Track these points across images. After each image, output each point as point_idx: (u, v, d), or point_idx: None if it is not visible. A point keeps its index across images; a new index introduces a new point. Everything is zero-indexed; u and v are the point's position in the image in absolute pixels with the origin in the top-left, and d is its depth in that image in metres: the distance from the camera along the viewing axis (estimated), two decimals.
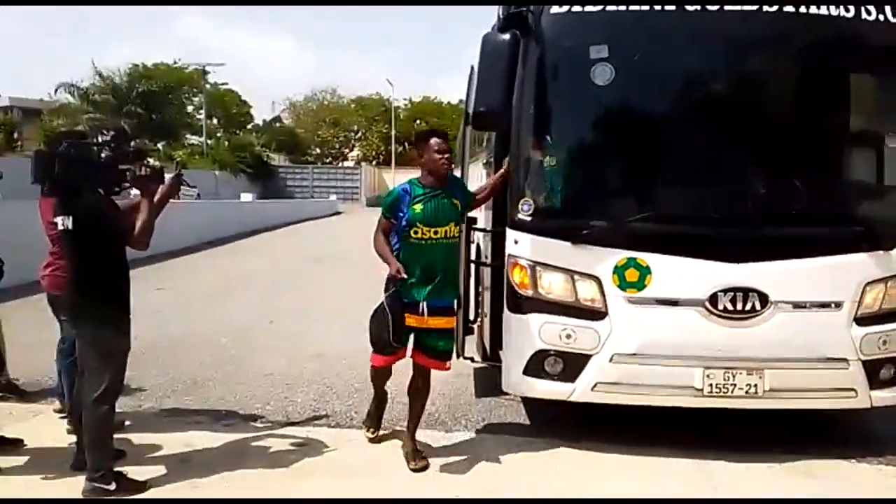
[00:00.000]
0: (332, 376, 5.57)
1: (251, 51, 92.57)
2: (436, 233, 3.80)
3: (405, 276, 3.67)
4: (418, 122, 58.08)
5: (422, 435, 4.12)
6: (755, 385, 3.85)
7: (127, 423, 4.31)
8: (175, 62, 45.40)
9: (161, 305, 8.37)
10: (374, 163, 57.76)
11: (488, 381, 4.88)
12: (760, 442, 4.14)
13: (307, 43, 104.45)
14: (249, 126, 57.63)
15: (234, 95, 53.54)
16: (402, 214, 3.81)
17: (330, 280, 11.19)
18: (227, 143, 47.64)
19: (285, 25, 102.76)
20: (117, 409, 3.64)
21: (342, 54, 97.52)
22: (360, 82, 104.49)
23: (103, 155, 3.50)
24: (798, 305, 3.84)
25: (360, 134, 61.89)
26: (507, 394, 4.60)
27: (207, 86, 48.48)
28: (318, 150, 61.38)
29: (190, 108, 48.98)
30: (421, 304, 3.79)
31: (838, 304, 3.86)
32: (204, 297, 9.50)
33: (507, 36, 3.91)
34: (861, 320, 3.89)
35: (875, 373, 3.96)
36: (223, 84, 51.73)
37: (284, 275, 11.96)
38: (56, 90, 34.39)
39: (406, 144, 58.03)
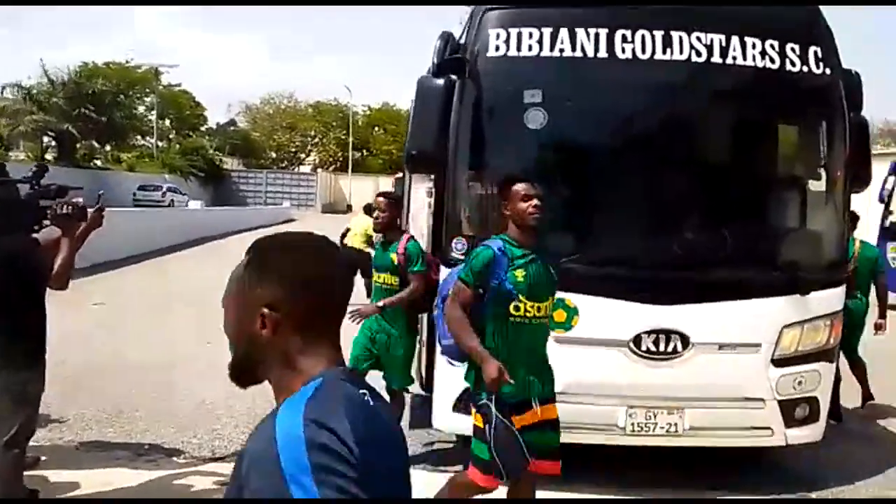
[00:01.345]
0: (267, 405, 5.43)
1: (208, 53, 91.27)
2: (539, 310, 3.04)
3: (511, 380, 2.91)
4: (377, 129, 58.02)
5: None
6: (676, 424, 3.95)
7: (43, 458, 4.15)
8: (127, 62, 44.35)
9: (95, 324, 8.12)
10: (330, 169, 57.35)
11: (425, 412, 4.87)
12: (684, 478, 4.23)
13: (265, 46, 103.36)
14: (203, 129, 56.59)
15: (187, 97, 52.52)
16: (496, 283, 2.99)
17: None
18: (178, 145, 46.67)
19: (243, 28, 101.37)
20: (34, 443, 3.51)
21: (301, 59, 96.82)
22: (318, 87, 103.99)
23: (24, 192, 3.38)
24: (718, 347, 3.95)
25: (317, 139, 61.37)
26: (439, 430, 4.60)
27: (160, 87, 47.48)
28: (274, 155, 60.63)
29: (141, 109, 47.85)
30: (533, 401, 3.07)
31: (756, 346, 3.99)
32: (141, 313, 9.23)
33: (441, 81, 3.95)
34: (778, 362, 4.03)
35: (790, 412, 4.10)
36: (177, 85, 50.77)
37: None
38: (1, 90, 33.08)
39: (364, 151, 57.88)
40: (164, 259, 16.17)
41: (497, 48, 3.94)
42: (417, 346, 5.07)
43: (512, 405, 2.98)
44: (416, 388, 4.89)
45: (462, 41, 4.09)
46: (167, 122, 52.81)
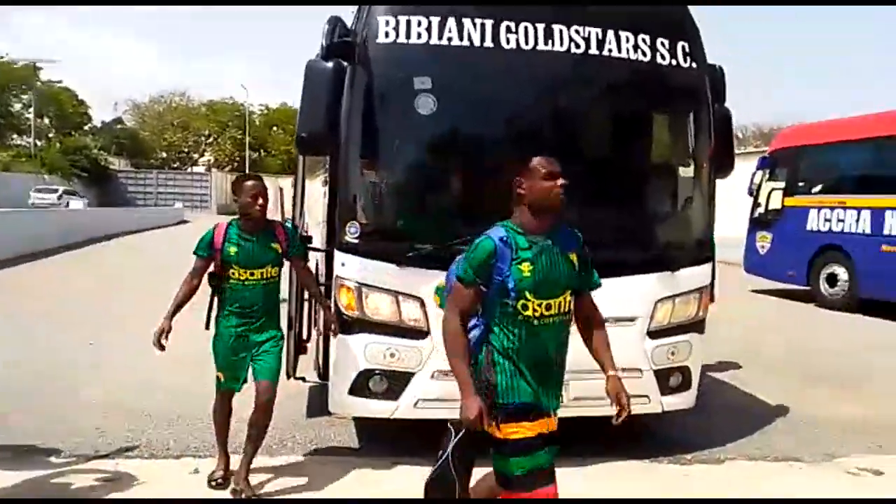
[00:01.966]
0: (153, 404, 5.29)
1: (93, 50, 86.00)
2: (549, 308, 2.58)
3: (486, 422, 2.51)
4: (275, 128, 56.74)
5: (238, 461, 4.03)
6: (561, 395, 4.14)
7: None
8: (1, 57, 41.19)
9: None
10: (226, 169, 55.55)
11: (321, 402, 4.88)
12: (565, 449, 4.44)
13: (155, 44, 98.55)
14: (87, 127, 53.37)
15: (69, 94, 49.38)
16: (499, 279, 2.53)
17: (164, 300, 10.55)
18: (59, 144, 43.81)
19: (132, 25, 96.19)
20: None
21: (194, 57, 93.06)
22: (212, 86, 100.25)
23: None
24: None
25: (211, 139, 59.26)
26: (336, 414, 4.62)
27: (39, 83, 44.43)
28: (165, 155, 58.03)
29: (18, 107, 44.64)
30: (548, 409, 2.71)
31: (633, 320, 4.26)
32: (17, 316, 8.64)
33: (330, 64, 3.96)
34: (652, 334, 4.32)
35: (665, 381, 4.41)
36: (58, 82, 47.63)
37: (111, 292, 11.15)
38: None
39: (261, 151, 56.42)
40: (42, 263, 15.14)
41: (386, 35, 4.00)
42: (314, 335, 5.07)
43: (523, 409, 2.57)
44: (313, 377, 4.89)
45: (352, 27, 4.11)
46: (46, 120, 49.47)
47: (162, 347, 3.74)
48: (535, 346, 2.60)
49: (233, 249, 3.79)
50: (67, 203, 32.56)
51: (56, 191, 33.85)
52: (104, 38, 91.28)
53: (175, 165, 57.24)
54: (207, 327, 3.88)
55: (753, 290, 13.45)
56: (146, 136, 56.67)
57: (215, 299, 3.88)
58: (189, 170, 56.58)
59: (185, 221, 35.78)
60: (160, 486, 3.84)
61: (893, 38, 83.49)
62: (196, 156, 59.80)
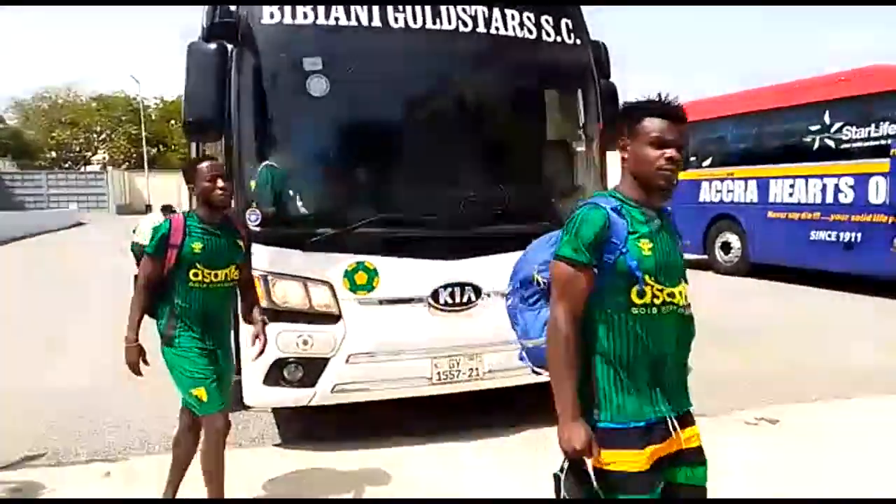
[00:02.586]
0: (57, 411, 5.05)
1: None
2: (671, 295, 1.99)
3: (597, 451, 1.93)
4: (173, 122, 54.33)
5: (155, 461, 3.94)
6: (476, 369, 4.28)
7: None
8: None
9: None
10: (123, 167, 52.84)
11: (237, 397, 4.79)
12: (486, 421, 4.60)
13: (34, 36, 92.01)
14: None
15: None
16: (611, 259, 1.93)
17: (56, 306, 10.02)
18: None
19: (9, 15, 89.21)
20: None
21: (77, 50, 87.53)
22: (100, 80, 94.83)
23: None
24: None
25: (104, 135, 56.15)
26: (251, 408, 4.57)
27: None
28: (54, 154, 54.56)
29: None
30: (669, 420, 2.01)
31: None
32: None
33: (213, 46, 3.89)
34: None
35: None
36: None
37: (8, 300, 10.48)
38: None
39: (160, 146, 53.96)
40: None
41: (271, 15, 3.96)
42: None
43: (640, 430, 1.95)
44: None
45: (235, 9, 4.02)
46: None
47: (139, 373, 3.10)
48: (655, 344, 1.99)
49: (197, 245, 3.10)
50: None
51: None
52: None
53: (67, 165, 53.94)
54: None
55: None
56: (32, 136, 53.04)
57: (167, 308, 3.16)
58: (83, 169, 53.46)
59: (81, 223, 33.88)
60: (70, 492, 3.70)
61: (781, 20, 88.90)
62: (89, 154, 56.54)
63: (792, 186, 10.94)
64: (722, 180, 12.26)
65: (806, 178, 10.69)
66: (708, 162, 12.76)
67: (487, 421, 4.56)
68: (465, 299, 4.20)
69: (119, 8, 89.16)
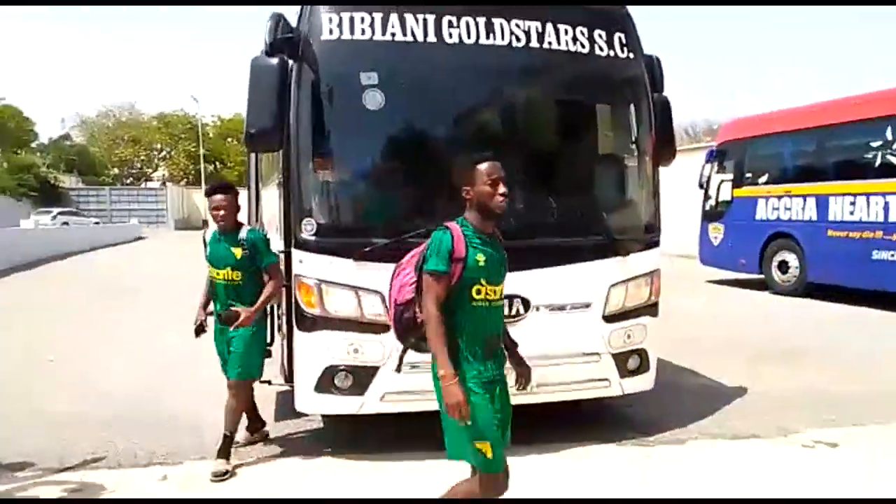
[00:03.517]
0: (117, 414, 5.24)
1: (36, 64, 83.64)
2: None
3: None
4: (230, 139, 55.94)
5: (210, 465, 4.04)
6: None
7: None
8: None
9: None
10: (181, 183, 54.55)
11: (289, 404, 4.89)
12: (532, 435, 4.54)
13: (103, 56, 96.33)
14: (33, 145, 51.93)
15: (12, 111, 47.96)
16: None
17: (122, 314, 10.39)
18: (5, 164, 42.55)
19: (76, 35, 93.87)
20: None
21: (142, 68, 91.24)
22: (162, 98, 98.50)
23: None
24: (556, 308, 4.32)
25: (164, 153, 58.16)
26: (304, 415, 4.66)
27: None
28: (117, 171, 56.75)
29: None
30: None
31: (589, 305, 4.40)
32: None
33: (275, 61, 4.01)
34: (608, 318, 4.46)
35: (624, 363, 4.56)
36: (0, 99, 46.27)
37: (70, 308, 10.91)
38: None
39: (216, 163, 55.57)
40: None
41: (330, 31, 4.07)
42: (278, 337, 5.08)
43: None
44: (279, 382, 4.88)
45: (296, 25, 4.16)
46: None
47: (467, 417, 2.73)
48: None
49: (480, 258, 2.92)
50: (66, 223, 35.01)
51: (50, 212, 36.46)
52: (42, 52, 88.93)
53: (128, 181, 56.03)
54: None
55: (709, 281, 13.84)
56: (96, 152, 55.35)
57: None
58: (143, 185, 55.47)
59: (141, 238, 35.09)
60: (128, 494, 3.83)
61: (836, 32, 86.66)
62: (150, 171, 58.63)
63: (853, 204, 10.58)
64: (779, 198, 11.93)
65: (867, 195, 10.33)
66: (764, 178, 12.46)
67: (528, 437, 4.51)
68: (514, 311, 4.20)
69: (181, 27, 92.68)
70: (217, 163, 55.85)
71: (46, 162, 46.50)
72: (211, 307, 4.41)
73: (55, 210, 37.37)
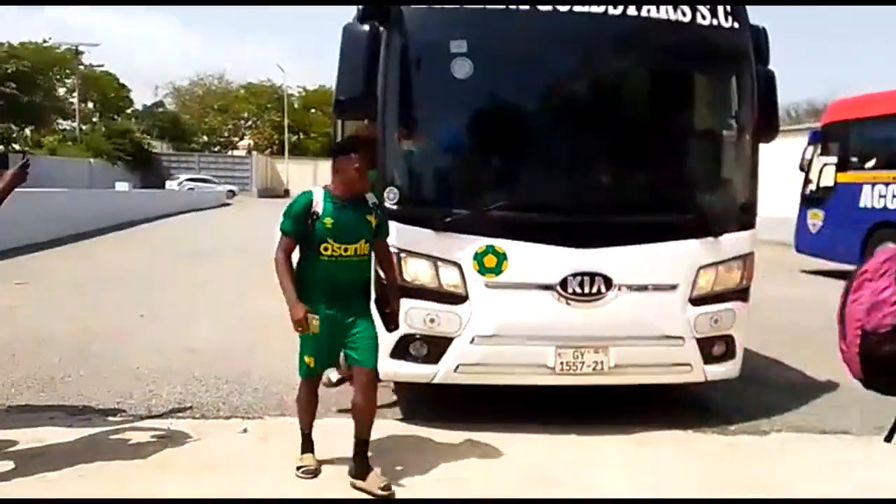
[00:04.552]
0: (202, 369, 5.45)
1: (131, 32, 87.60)
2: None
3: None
4: (313, 110, 57.13)
5: (287, 423, 4.15)
6: (602, 362, 4.15)
7: None
8: (45, 41, 42.25)
9: (18, 301, 7.87)
10: (266, 152, 56.26)
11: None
12: (609, 417, 4.46)
13: (193, 25, 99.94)
14: (129, 111, 54.63)
15: (111, 78, 50.52)
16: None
17: (209, 275, 10.85)
18: (103, 128, 44.94)
19: (166, 7, 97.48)
20: None
21: (231, 37, 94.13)
22: (250, 67, 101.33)
23: None
24: (639, 288, 4.17)
25: (250, 122, 60.03)
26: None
27: (81, 67, 45.51)
28: (206, 138, 59.03)
29: (62, 91, 45.80)
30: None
31: (674, 287, 4.22)
32: (68, 291, 8.98)
33: (366, 27, 3.99)
34: (695, 301, 4.26)
35: (708, 349, 4.36)
36: (99, 66, 48.76)
37: (160, 269, 11.48)
38: None
39: (300, 134, 56.95)
40: (90, 242, 15.62)
41: None
42: None
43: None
44: None
45: None
46: (90, 104, 50.72)
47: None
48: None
49: None
50: (192, 189, 39.91)
51: (178, 178, 43.17)
52: (136, 22, 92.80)
53: (216, 149, 58.17)
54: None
55: (804, 271, 13.15)
56: (187, 120, 57.66)
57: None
58: (230, 153, 57.47)
59: (226, 204, 36.48)
60: (211, 443, 3.98)
61: None
62: (236, 139, 60.68)
63: None
64: (887, 184, 11.13)
65: None
66: (871, 163, 11.67)
67: (603, 419, 4.41)
68: (594, 290, 4.08)
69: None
70: (301, 133, 57.19)
71: (141, 128, 48.79)
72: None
73: (182, 177, 42.67)
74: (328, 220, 3.33)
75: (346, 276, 3.43)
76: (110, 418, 4.34)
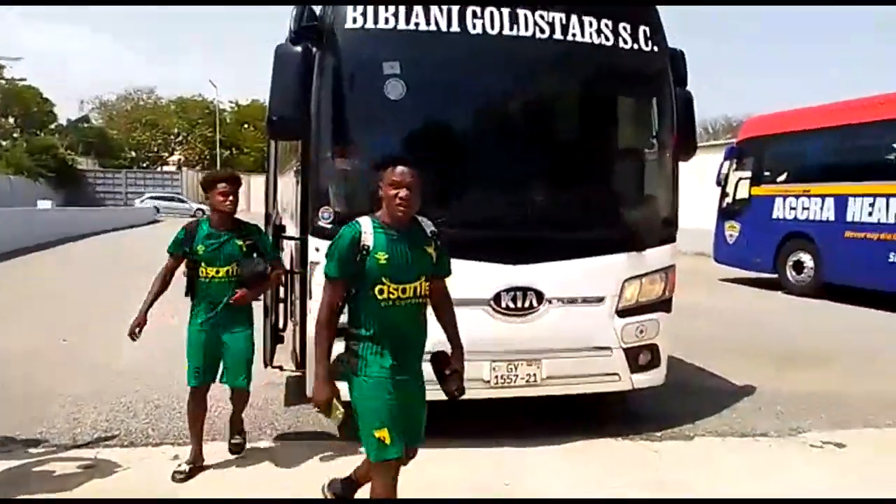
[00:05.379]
0: (130, 394, 5.30)
1: (54, 47, 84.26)
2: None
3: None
4: (246, 125, 56.10)
5: (217, 447, 4.08)
6: (534, 374, 4.27)
7: None
8: None
9: None
10: (197, 168, 54.81)
11: (300, 390, 4.92)
12: (541, 428, 4.57)
13: (122, 41, 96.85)
14: (52, 126, 52.31)
15: (33, 92, 48.29)
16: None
17: (137, 294, 10.43)
18: (24, 144, 42.88)
19: (95, 21, 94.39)
20: None
21: (163, 53, 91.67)
22: (181, 83, 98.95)
23: None
24: (569, 301, 4.31)
25: (181, 137, 58.44)
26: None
27: (2, 81, 43.48)
28: (134, 154, 57.11)
29: None
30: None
31: (602, 299, 4.39)
32: None
33: (299, 48, 4.01)
34: (621, 312, 4.45)
35: (635, 358, 4.54)
36: (21, 80, 46.57)
37: (85, 290, 11.02)
38: None
39: (233, 149, 55.77)
40: (9, 263, 14.87)
41: (354, 20, 4.06)
42: (290, 325, 5.10)
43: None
44: (290, 367, 4.91)
45: (320, 13, 4.16)
46: (10, 119, 48.43)
47: None
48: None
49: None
50: (157, 209, 38.92)
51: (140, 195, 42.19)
52: (62, 35, 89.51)
53: (145, 165, 56.35)
54: None
55: (722, 280, 13.75)
56: (114, 135, 55.69)
57: None
58: (160, 169, 55.77)
59: (156, 221, 35.35)
60: (140, 472, 3.87)
61: (859, 29, 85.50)
62: (166, 155, 58.95)
63: (872, 205, 10.46)
64: (797, 197, 11.81)
65: (888, 196, 10.22)
66: (783, 177, 12.34)
67: (534, 430, 4.52)
68: (526, 304, 4.20)
69: (202, 13, 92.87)
70: (233, 148, 56.04)
71: (65, 144, 46.82)
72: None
73: (147, 194, 41.50)
74: (381, 255, 2.72)
75: (409, 326, 2.84)
76: (32, 449, 4.16)
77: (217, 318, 3.85)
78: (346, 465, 3.99)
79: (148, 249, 18.69)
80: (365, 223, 2.77)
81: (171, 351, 6.61)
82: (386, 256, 2.71)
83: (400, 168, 2.78)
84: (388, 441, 2.68)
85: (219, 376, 3.95)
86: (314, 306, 4.14)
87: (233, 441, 4.15)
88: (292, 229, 4.98)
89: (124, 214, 33.58)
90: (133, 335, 3.88)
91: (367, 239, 2.72)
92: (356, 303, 2.76)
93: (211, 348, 3.87)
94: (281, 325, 5.03)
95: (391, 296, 2.72)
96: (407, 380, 2.80)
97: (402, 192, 2.72)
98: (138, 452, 4.19)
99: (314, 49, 4.06)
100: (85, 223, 25.36)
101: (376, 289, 2.71)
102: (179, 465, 3.86)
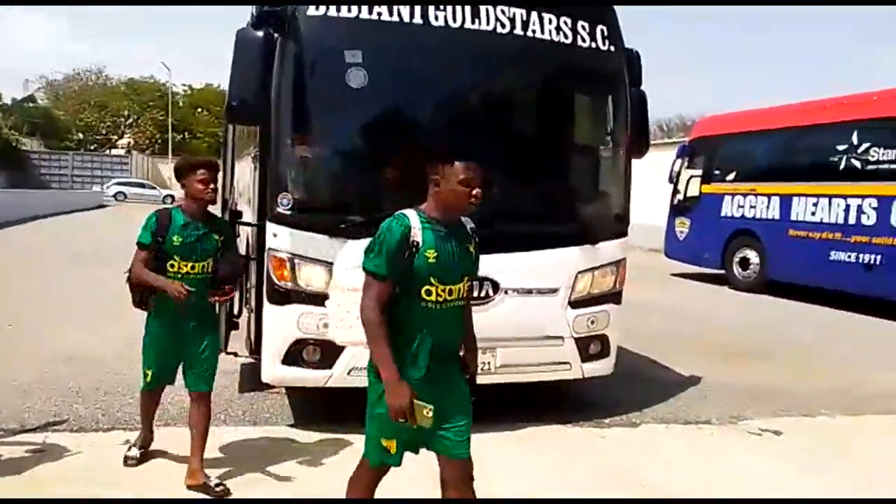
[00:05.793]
0: (79, 379, 5.22)
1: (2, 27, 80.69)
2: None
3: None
4: (199, 110, 54.86)
5: (169, 432, 4.06)
6: (489, 363, 4.35)
7: None
8: None
9: None
10: (147, 151, 53.38)
11: (254, 377, 4.91)
12: (493, 416, 4.64)
13: (70, 19, 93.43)
14: None
15: None
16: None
17: (82, 281, 10.21)
18: None
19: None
20: None
21: (113, 33, 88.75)
22: (132, 65, 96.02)
23: None
24: (524, 292, 4.42)
25: (131, 120, 56.78)
26: (270, 387, 4.69)
27: None
28: (81, 136, 55.24)
29: None
30: None
31: (555, 291, 4.50)
32: None
33: (260, 33, 4.00)
34: (574, 304, 4.57)
35: (586, 348, 4.68)
36: None
37: (28, 275, 10.70)
38: None
39: (185, 133, 54.48)
40: None
41: (317, 7, 4.06)
42: (246, 313, 5.08)
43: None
44: (244, 354, 4.90)
45: None
46: None
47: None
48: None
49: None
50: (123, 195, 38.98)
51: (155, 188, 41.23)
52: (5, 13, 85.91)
53: (93, 147, 54.62)
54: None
55: (673, 274, 14.14)
56: (61, 116, 53.78)
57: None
58: (108, 152, 54.14)
59: (103, 206, 34.40)
60: (90, 457, 3.83)
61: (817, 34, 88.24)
62: (115, 138, 57.23)
63: (815, 205, 10.89)
64: (745, 195, 12.21)
65: (829, 197, 10.65)
66: (731, 176, 12.72)
67: (487, 417, 4.58)
68: (482, 294, 4.28)
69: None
70: (186, 133, 54.75)
71: (9, 124, 45.06)
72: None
73: (114, 180, 40.50)
74: (431, 253, 2.44)
75: (453, 332, 2.61)
76: None
77: (188, 317, 3.49)
78: (301, 451, 4.05)
79: (92, 235, 18.32)
80: (413, 217, 2.46)
81: (126, 338, 6.54)
82: (435, 254, 2.43)
83: (472, 164, 2.49)
84: (392, 451, 2.55)
85: (179, 379, 3.68)
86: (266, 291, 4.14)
87: (216, 488, 3.46)
88: (249, 215, 4.96)
89: (69, 198, 32.53)
90: (179, 293, 3.33)
91: (417, 235, 2.43)
92: (391, 306, 2.46)
93: (173, 349, 3.55)
94: (236, 311, 5.01)
95: (438, 298, 2.46)
96: (438, 386, 2.52)
97: (477, 190, 2.45)
98: (89, 438, 4.13)
99: (276, 34, 4.04)
100: (29, 206, 24.49)
101: (423, 290, 2.44)
102: (130, 450, 3.81)
